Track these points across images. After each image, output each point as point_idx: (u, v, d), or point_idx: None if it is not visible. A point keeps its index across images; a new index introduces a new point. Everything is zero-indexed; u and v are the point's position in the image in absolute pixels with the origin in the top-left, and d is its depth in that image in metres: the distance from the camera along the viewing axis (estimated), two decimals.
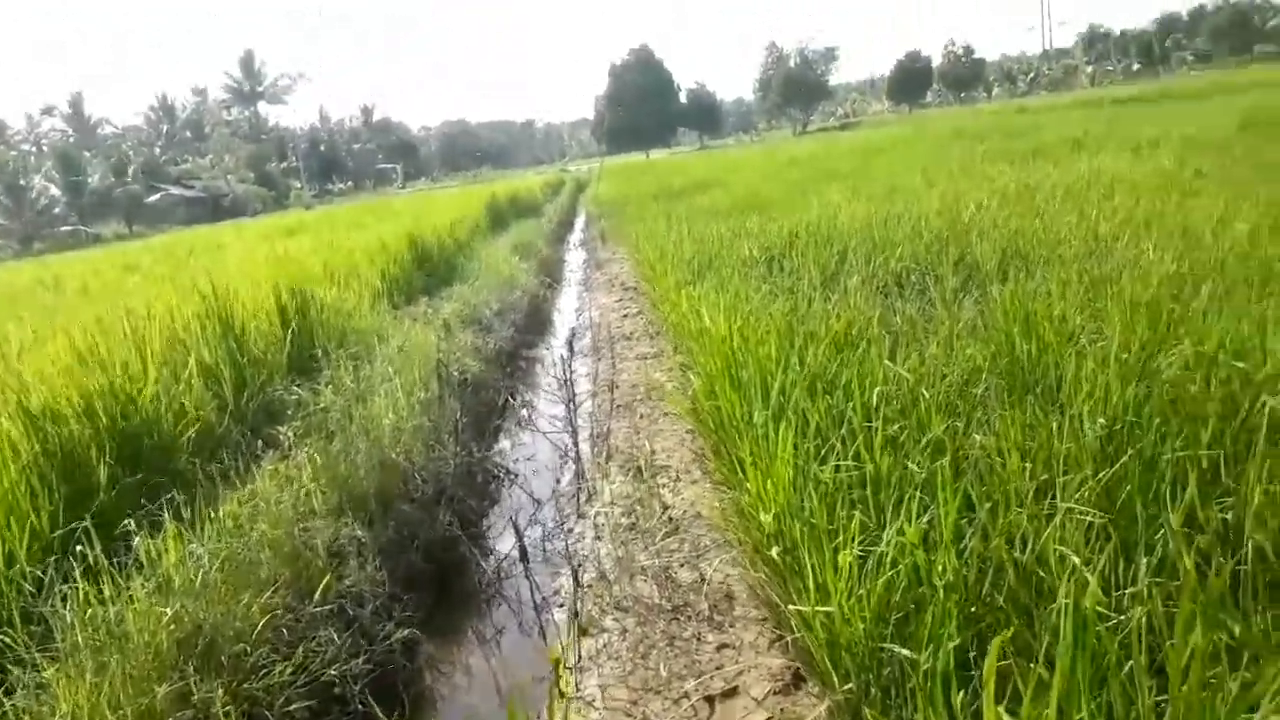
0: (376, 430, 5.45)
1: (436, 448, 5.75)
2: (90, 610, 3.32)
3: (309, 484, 4.71)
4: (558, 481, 5.95)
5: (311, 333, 7.55)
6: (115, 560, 3.71)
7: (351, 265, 10.68)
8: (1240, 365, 3.58)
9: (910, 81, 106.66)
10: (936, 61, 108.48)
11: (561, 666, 3.73)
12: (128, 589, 3.46)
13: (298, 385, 6.44)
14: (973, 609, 2.60)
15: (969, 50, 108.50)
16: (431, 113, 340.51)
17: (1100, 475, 2.94)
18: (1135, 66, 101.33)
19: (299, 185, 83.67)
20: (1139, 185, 9.32)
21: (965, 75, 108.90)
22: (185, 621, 3.28)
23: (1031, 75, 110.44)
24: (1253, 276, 5.02)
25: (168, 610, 3.26)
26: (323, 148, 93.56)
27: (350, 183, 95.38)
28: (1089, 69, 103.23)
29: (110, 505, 4.47)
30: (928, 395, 3.70)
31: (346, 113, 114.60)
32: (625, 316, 10.24)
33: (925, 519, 2.81)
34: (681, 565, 4.17)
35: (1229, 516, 2.81)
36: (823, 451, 3.55)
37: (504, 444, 7.03)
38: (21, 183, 61.02)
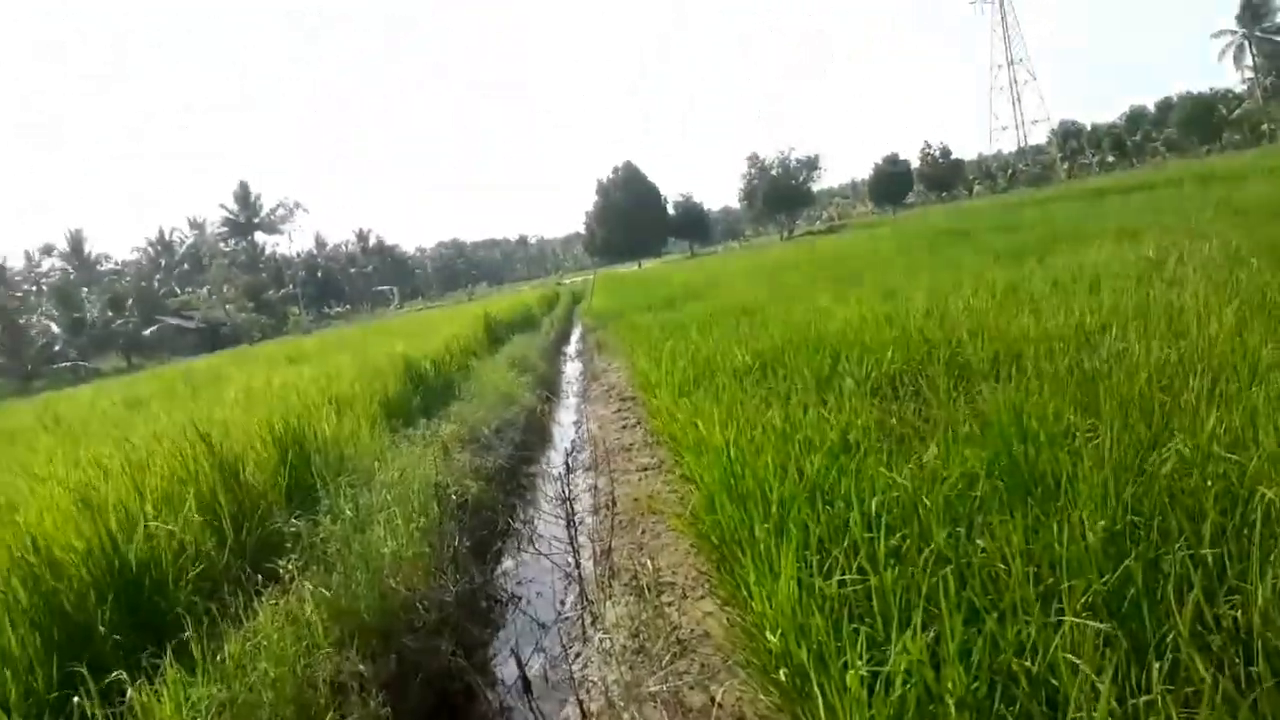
0: (376, 560, 5.40)
1: (437, 574, 5.70)
2: None
3: (310, 618, 4.65)
4: (561, 604, 5.87)
5: (310, 463, 7.54)
6: (113, 710, 3.64)
7: (350, 391, 10.74)
8: (1234, 458, 3.60)
9: (891, 183, 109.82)
10: (915, 163, 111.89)
11: None
12: None
13: (297, 517, 6.40)
14: None
15: (946, 151, 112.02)
16: (426, 234, 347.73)
17: (1106, 578, 2.93)
18: (1109, 159, 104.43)
19: (297, 311, 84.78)
20: (1123, 276, 9.49)
21: (944, 175, 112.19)
22: None
23: (1010, 172, 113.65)
24: (1239, 365, 5.09)
25: None
26: (320, 273, 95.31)
27: (348, 305, 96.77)
28: (1064, 164, 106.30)
29: (109, 650, 4.39)
30: (928, 502, 3.70)
31: (342, 237, 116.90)
32: (624, 428, 10.25)
33: (931, 633, 2.77)
34: (691, 688, 4.08)
35: (1238, 614, 2.78)
36: (826, 565, 3.53)
37: (507, 565, 6.96)
38: (21, 322, 61.84)
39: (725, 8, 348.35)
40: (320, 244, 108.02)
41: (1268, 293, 6.96)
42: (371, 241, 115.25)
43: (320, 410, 9.17)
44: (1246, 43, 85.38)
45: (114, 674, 3.95)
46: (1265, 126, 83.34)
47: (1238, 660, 2.64)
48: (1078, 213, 23.59)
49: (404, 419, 10.70)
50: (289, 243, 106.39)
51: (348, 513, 6.25)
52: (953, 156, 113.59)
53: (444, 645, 5.14)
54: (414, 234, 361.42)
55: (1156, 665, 2.55)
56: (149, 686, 3.81)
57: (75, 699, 3.63)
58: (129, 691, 3.74)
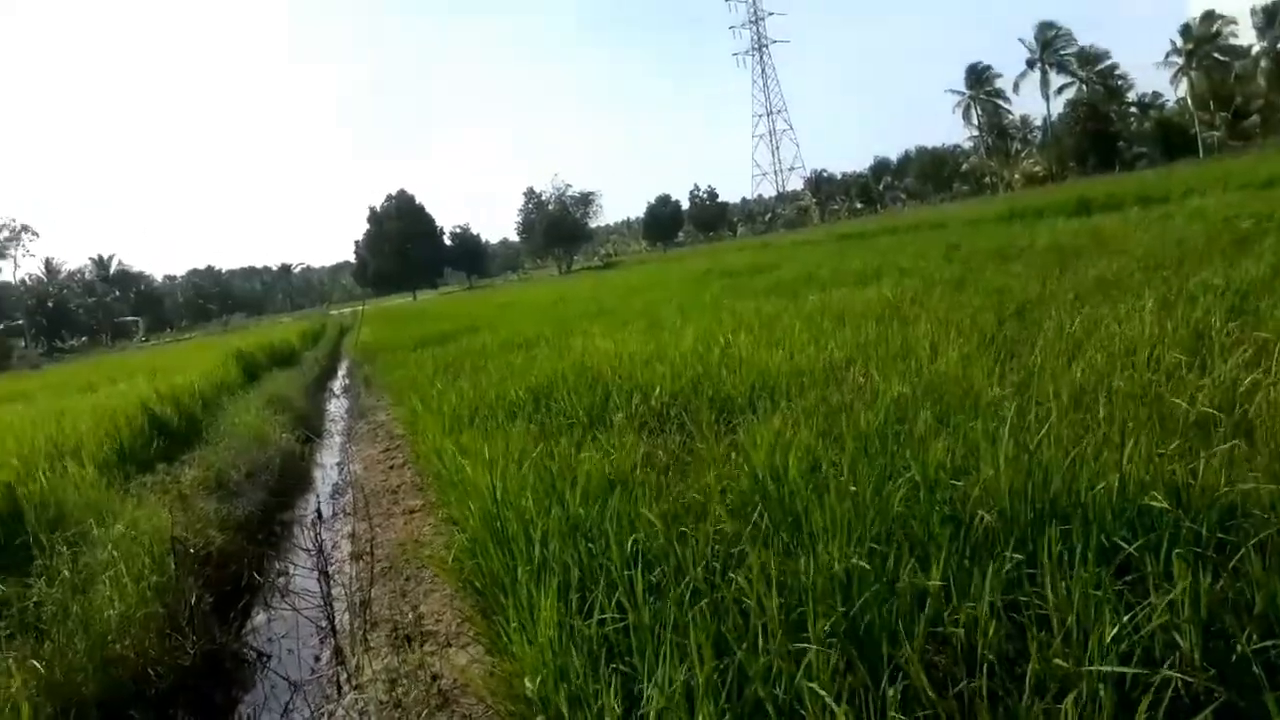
0: (100, 624, 4.84)
1: (173, 636, 5.17)
2: None
3: (14, 697, 4.07)
4: (316, 660, 5.48)
5: (23, 518, 6.67)
6: None
7: (77, 435, 9.65)
8: (958, 484, 3.92)
9: (663, 222, 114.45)
10: (685, 204, 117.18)
11: None
12: None
13: (3, 582, 5.62)
14: None
15: (713, 193, 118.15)
16: (177, 262, 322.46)
17: (847, 607, 3.08)
18: (858, 205, 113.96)
19: (23, 345, 75.81)
20: (865, 314, 10.29)
21: (711, 216, 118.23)
22: None
23: (769, 215, 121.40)
24: (965, 398, 5.59)
25: None
26: (51, 303, 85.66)
27: (85, 339, 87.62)
28: (817, 209, 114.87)
29: None
30: (687, 538, 3.76)
31: (80, 264, 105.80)
32: (391, 468, 9.86)
33: (685, 667, 2.79)
34: None
35: (962, 633, 3.00)
36: (587, 604, 3.50)
37: (257, 621, 6.44)
38: None
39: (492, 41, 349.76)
40: (53, 271, 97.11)
41: (988, 332, 7.75)
42: (114, 268, 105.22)
43: (39, 458, 8.16)
44: (972, 103, 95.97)
45: None
46: (988, 178, 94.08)
47: (962, 677, 2.84)
48: (827, 255, 25.47)
49: (141, 464, 9.74)
50: (14, 269, 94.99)
51: (65, 573, 5.55)
52: (719, 199, 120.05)
53: (179, 714, 4.65)
54: (163, 261, 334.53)
55: (891, 689, 2.69)
56: None
57: None
58: None
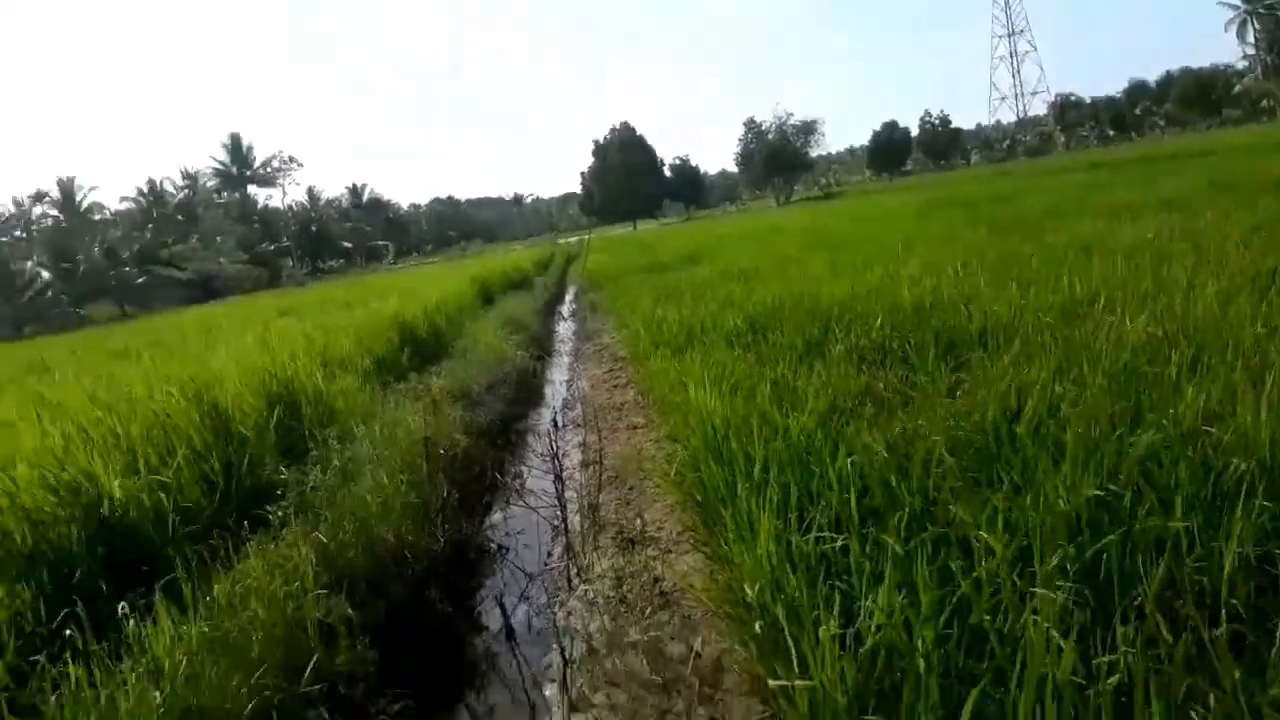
0: (365, 510, 5.47)
1: (426, 525, 5.77)
2: (82, 694, 3.31)
3: (299, 564, 4.72)
4: (548, 555, 5.96)
5: (300, 415, 7.60)
6: (106, 645, 3.72)
7: (341, 345, 10.78)
8: (1212, 431, 3.68)
9: (890, 151, 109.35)
10: (915, 132, 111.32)
11: None
12: (119, 673, 3.46)
13: (286, 467, 6.47)
14: (954, 680, 2.63)
15: (945, 120, 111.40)
16: (421, 191, 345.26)
17: (1079, 543, 3.01)
18: (1109, 132, 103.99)
19: (290, 264, 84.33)
20: (1114, 250, 9.54)
21: (942, 144, 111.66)
22: (174, 706, 3.27)
23: (1008, 143, 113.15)
24: (1222, 341, 5.15)
25: (157, 695, 3.26)
26: (313, 228, 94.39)
27: (341, 260, 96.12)
28: (1062, 137, 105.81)
29: (99, 596, 4.47)
30: (907, 469, 3.77)
31: (336, 192, 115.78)
32: (615, 387, 10.32)
33: (903, 595, 2.85)
34: (672, 639, 4.18)
35: (1205, 581, 2.87)
36: (805, 523, 3.61)
37: (495, 517, 7.04)
38: (13, 268, 61.42)
39: None
40: (314, 198, 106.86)
41: (1254, 270, 7.02)
42: (366, 196, 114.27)
43: (312, 364, 9.20)
44: (1249, 18, 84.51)
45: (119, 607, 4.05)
46: (1265, 102, 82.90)
47: (1201, 625, 2.72)
48: (1073, 186, 23.56)
49: (396, 374, 10.75)
50: (282, 196, 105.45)
51: (336, 463, 6.31)
52: (952, 125, 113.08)
53: (431, 593, 5.23)
54: (408, 190, 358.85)
55: (1121, 629, 2.63)
56: (140, 626, 3.90)
57: (68, 633, 3.71)
58: (127, 625, 3.84)
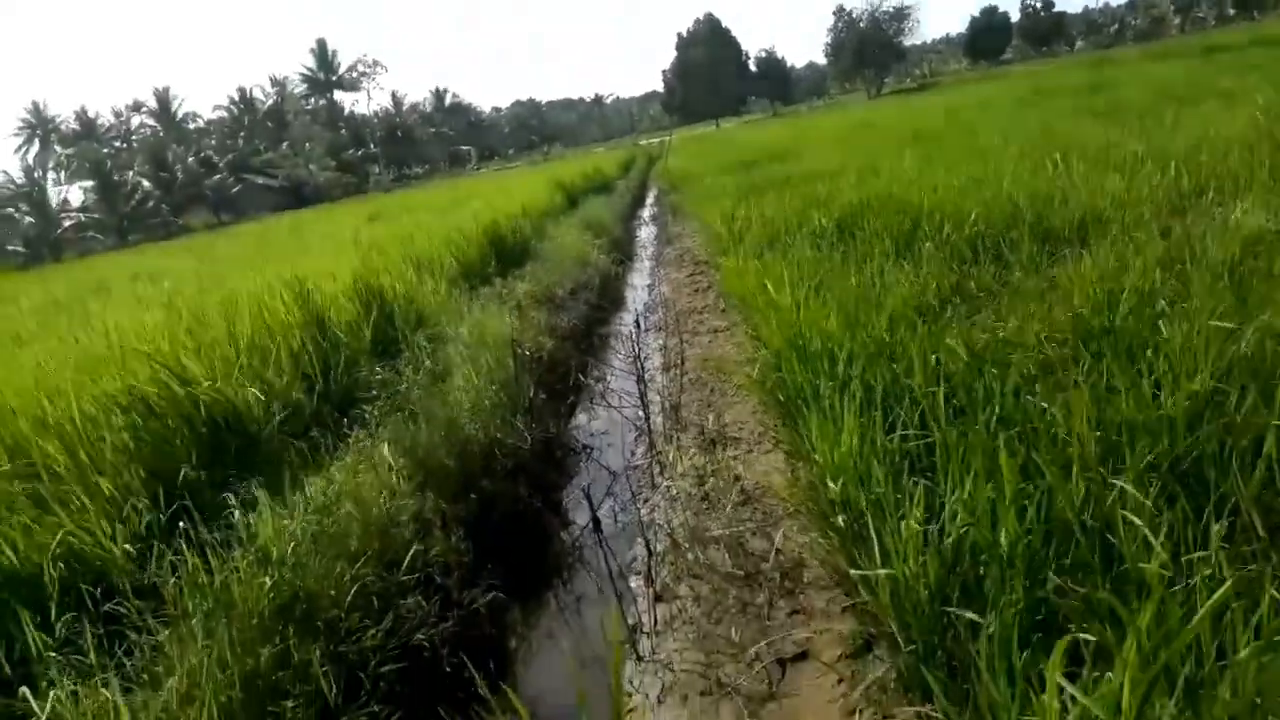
0: (455, 408, 5.65)
1: (513, 424, 5.93)
2: (199, 579, 3.57)
3: (393, 460, 4.93)
4: (631, 454, 6.09)
5: (391, 317, 7.81)
6: (216, 535, 3.98)
7: (430, 249, 10.97)
8: None
9: (988, 38, 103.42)
10: (1015, 17, 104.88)
11: (639, 631, 3.87)
12: (231, 560, 3.71)
13: (381, 367, 6.69)
14: (1037, 574, 2.62)
15: (1049, 3, 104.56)
16: (501, 93, 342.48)
17: (1175, 444, 2.93)
18: (1230, 11, 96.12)
19: (377, 170, 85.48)
20: (1226, 139, 8.95)
21: (1045, 29, 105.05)
22: (284, 590, 3.50)
23: (1116, 26, 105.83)
24: None
25: (266, 580, 3.49)
26: (398, 133, 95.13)
27: (426, 166, 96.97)
28: (1176, 18, 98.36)
29: (208, 485, 4.76)
30: (993, 369, 3.70)
31: (419, 96, 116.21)
32: (696, 291, 10.29)
33: (989, 486, 2.82)
34: (753, 534, 4.25)
35: None
36: (890, 420, 3.59)
37: (580, 418, 7.19)
38: (115, 178, 63.78)
39: None
40: (397, 103, 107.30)
41: None
42: (448, 101, 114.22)
43: (401, 267, 9.40)
44: None
45: (222, 498, 4.32)
46: None
47: None
48: (1186, 71, 22.01)
49: (481, 278, 10.92)
50: (368, 101, 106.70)
51: (427, 364, 6.50)
52: (1055, 9, 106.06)
53: (520, 489, 5.40)
54: (489, 94, 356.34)
55: (1215, 525, 2.57)
56: (248, 517, 4.16)
57: (182, 523, 3.97)
58: (235, 515, 4.09)
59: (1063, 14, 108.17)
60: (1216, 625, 2.19)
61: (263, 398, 5.61)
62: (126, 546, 4.01)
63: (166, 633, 3.35)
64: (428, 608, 3.94)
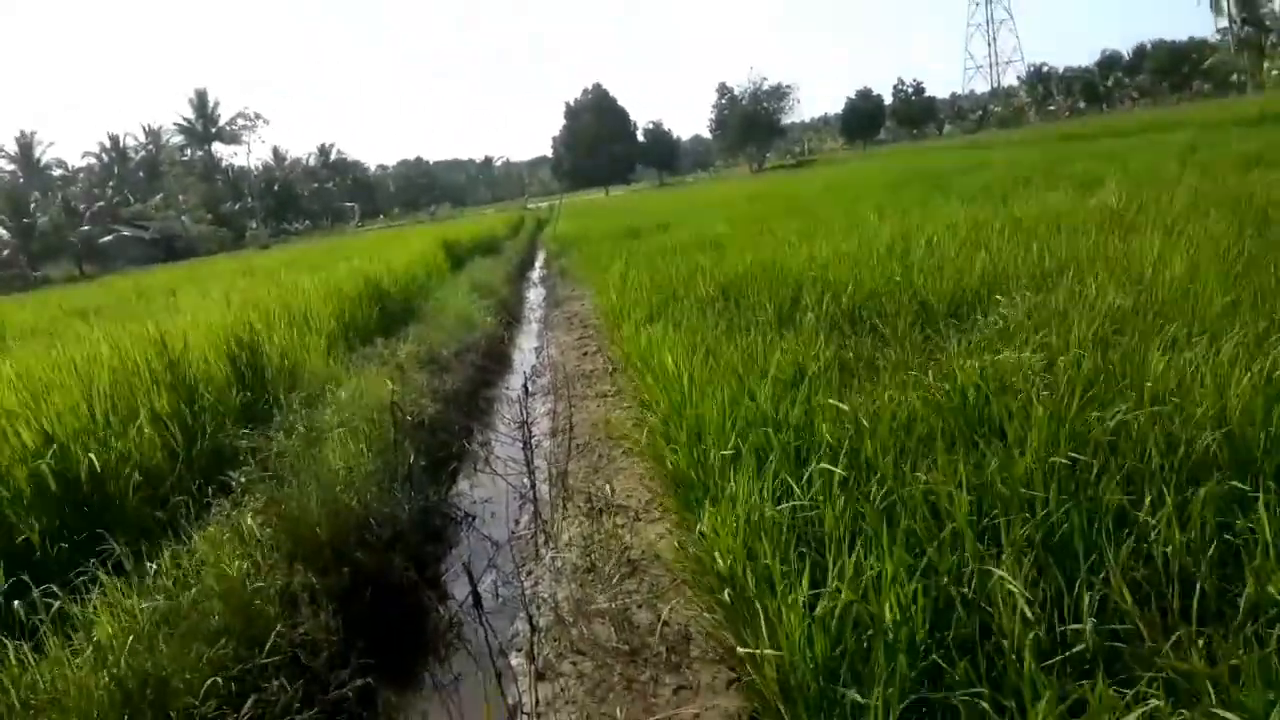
0: (329, 475, 5.39)
1: (391, 491, 5.70)
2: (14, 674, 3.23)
3: (259, 530, 4.65)
4: (516, 523, 5.93)
5: (264, 378, 7.47)
6: (53, 617, 3.64)
7: (307, 308, 10.59)
8: (1177, 401, 3.70)
9: (863, 119, 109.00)
10: (888, 100, 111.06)
11: (519, 712, 3.70)
12: (70, 647, 3.39)
13: (251, 430, 6.36)
14: (921, 648, 2.63)
15: (919, 89, 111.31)
16: (388, 152, 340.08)
17: (1045, 515, 3.02)
18: (1080, 104, 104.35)
19: (254, 225, 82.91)
20: (1085, 221, 9.58)
21: (916, 112, 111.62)
22: (128, 682, 3.21)
23: (980, 113, 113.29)
24: (1190, 313, 5.19)
25: (105, 673, 3.19)
26: (278, 187, 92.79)
27: (307, 222, 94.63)
28: (1033, 108, 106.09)
29: (54, 561, 4.38)
30: (872, 441, 3.76)
31: (303, 151, 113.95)
32: (585, 355, 10.26)
33: (873, 559, 2.84)
34: (639, 607, 4.16)
35: (1169, 550, 2.88)
36: (776, 493, 3.59)
37: (462, 485, 6.99)
38: None
39: None
40: (280, 157, 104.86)
41: (1224, 244, 7.07)
42: (333, 156, 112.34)
43: (277, 326, 9.04)
44: None
45: (74, 575, 3.95)
46: (1235, 77, 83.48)
47: (1165, 595, 2.74)
48: (1044, 157, 23.65)
49: (362, 338, 10.61)
50: (248, 154, 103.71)
51: (300, 428, 6.21)
52: (926, 94, 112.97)
53: (397, 561, 5.17)
54: (376, 151, 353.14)
55: (1087, 596, 2.64)
56: (95, 596, 3.82)
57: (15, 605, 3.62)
58: (74, 599, 3.75)
59: (933, 99, 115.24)
60: None
61: (120, 466, 5.23)
62: None
63: None
64: (291, 692, 3.68)
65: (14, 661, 3.29)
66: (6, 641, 3.40)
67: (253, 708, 3.43)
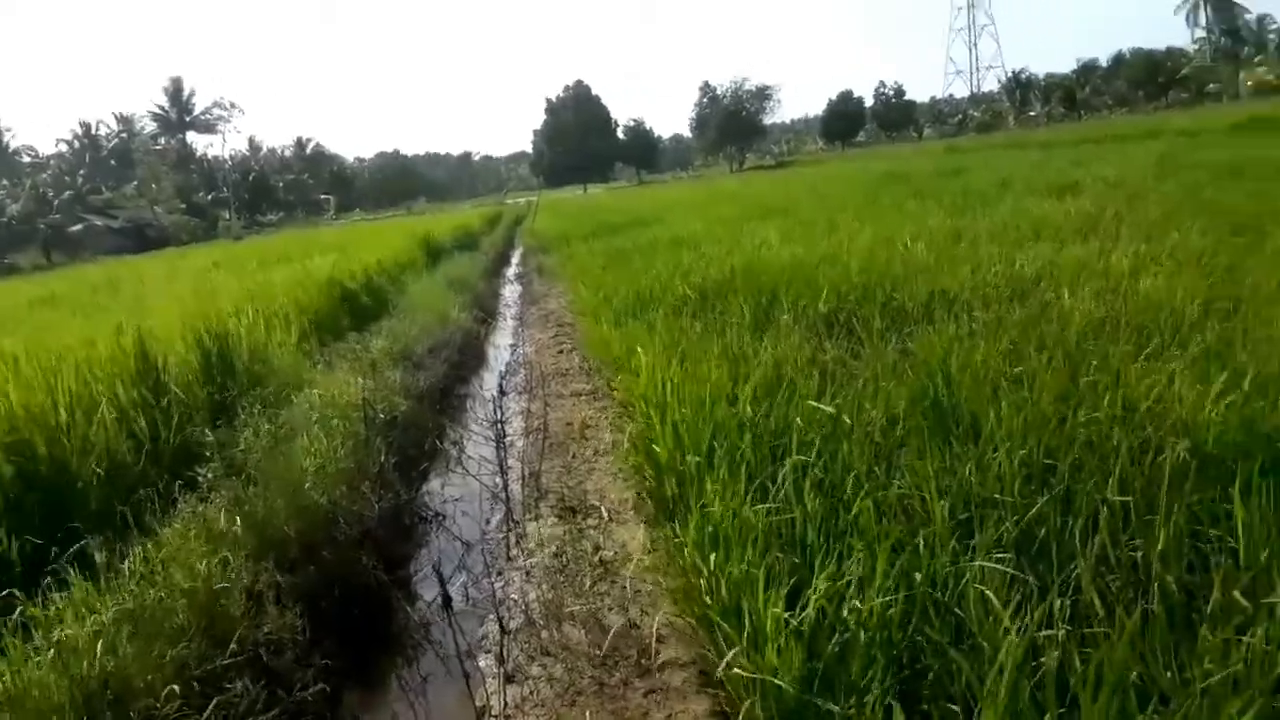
0: (298, 473, 5.31)
1: (361, 490, 5.62)
2: None
3: (225, 527, 4.57)
4: (487, 523, 5.86)
5: (234, 373, 7.35)
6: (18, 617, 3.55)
7: (278, 302, 10.44)
8: (1150, 409, 3.72)
9: (843, 121, 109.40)
10: (869, 102, 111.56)
11: (487, 715, 3.65)
12: (32, 645, 3.30)
13: (218, 426, 6.25)
14: (895, 651, 2.62)
15: (900, 92, 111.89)
16: (366, 144, 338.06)
17: (1018, 517, 3.01)
18: (1060, 110, 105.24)
19: (228, 216, 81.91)
20: (1062, 228, 9.66)
21: (896, 116, 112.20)
22: (90, 680, 3.13)
23: (960, 118, 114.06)
24: (1164, 323, 5.23)
25: (69, 672, 3.11)
26: (253, 178, 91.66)
27: (282, 213, 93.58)
28: (1012, 112, 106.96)
29: (16, 558, 4.27)
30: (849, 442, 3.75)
31: (280, 142, 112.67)
32: (560, 353, 10.21)
33: (852, 561, 2.82)
34: (611, 609, 4.13)
35: (1139, 555, 2.89)
36: (752, 493, 3.57)
37: (434, 484, 6.91)
38: None
39: None
40: (255, 147, 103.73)
41: (1198, 252, 7.15)
42: (310, 149, 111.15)
43: (248, 320, 8.90)
44: (1200, 2, 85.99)
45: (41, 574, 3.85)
46: (1210, 86, 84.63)
47: (1134, 599, 2.75)
48: (1022, 163, 23.83)
49: (335, 333, 10.49)
50: (223, 144, 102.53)
51: (266, 426, 6.10)
52: (906, 97, 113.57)
53: (365, 560, 5.10)
54: (354, 143, 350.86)
55: (1059, 601, 2.64)
56: (58, 595, 3.73)
57: None
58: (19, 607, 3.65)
59: (913, 103, 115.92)
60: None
61: (86, 461, 5.11)
62: None
63: None
64: (255, 692, 3.60)
65: None
66: None
67: (215, 710, 3.35)
